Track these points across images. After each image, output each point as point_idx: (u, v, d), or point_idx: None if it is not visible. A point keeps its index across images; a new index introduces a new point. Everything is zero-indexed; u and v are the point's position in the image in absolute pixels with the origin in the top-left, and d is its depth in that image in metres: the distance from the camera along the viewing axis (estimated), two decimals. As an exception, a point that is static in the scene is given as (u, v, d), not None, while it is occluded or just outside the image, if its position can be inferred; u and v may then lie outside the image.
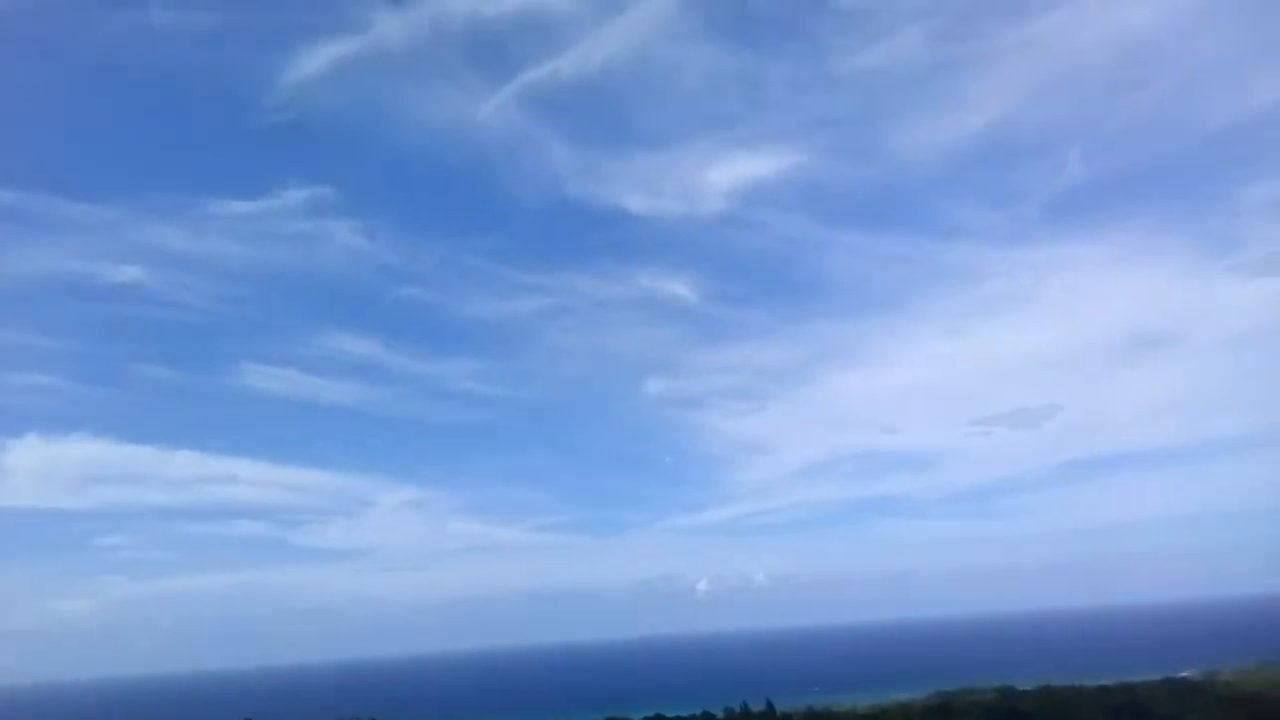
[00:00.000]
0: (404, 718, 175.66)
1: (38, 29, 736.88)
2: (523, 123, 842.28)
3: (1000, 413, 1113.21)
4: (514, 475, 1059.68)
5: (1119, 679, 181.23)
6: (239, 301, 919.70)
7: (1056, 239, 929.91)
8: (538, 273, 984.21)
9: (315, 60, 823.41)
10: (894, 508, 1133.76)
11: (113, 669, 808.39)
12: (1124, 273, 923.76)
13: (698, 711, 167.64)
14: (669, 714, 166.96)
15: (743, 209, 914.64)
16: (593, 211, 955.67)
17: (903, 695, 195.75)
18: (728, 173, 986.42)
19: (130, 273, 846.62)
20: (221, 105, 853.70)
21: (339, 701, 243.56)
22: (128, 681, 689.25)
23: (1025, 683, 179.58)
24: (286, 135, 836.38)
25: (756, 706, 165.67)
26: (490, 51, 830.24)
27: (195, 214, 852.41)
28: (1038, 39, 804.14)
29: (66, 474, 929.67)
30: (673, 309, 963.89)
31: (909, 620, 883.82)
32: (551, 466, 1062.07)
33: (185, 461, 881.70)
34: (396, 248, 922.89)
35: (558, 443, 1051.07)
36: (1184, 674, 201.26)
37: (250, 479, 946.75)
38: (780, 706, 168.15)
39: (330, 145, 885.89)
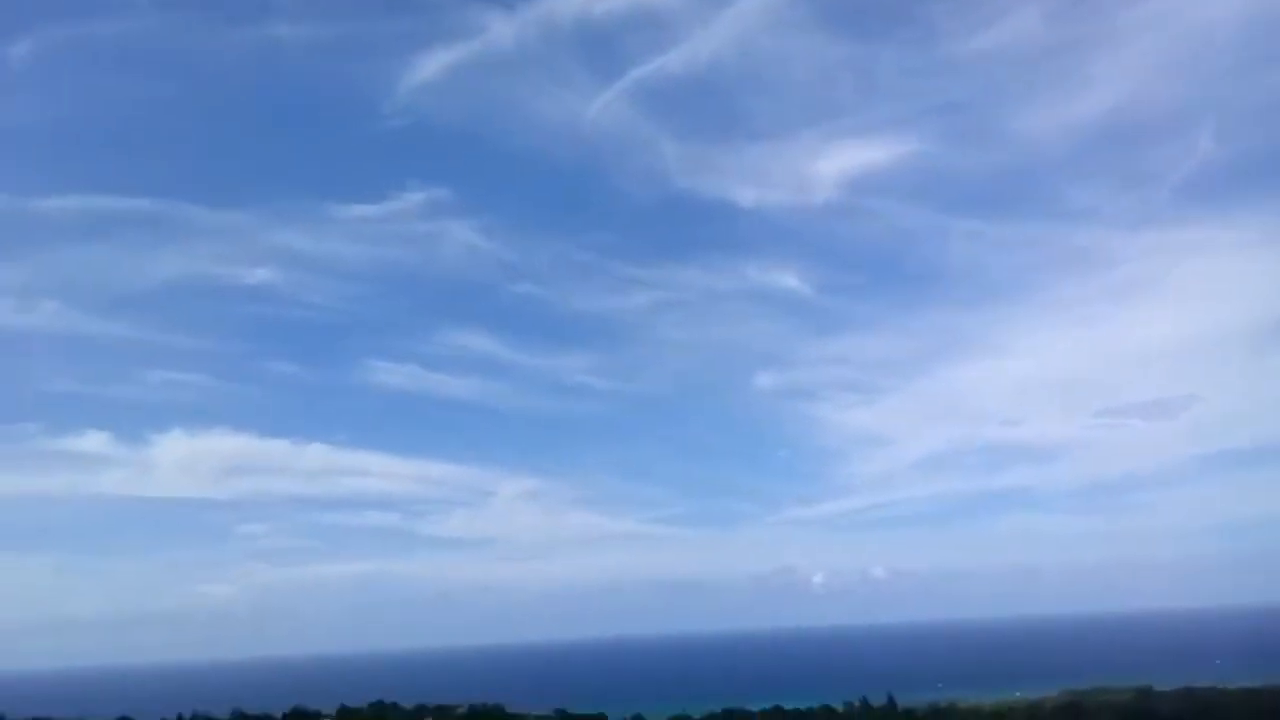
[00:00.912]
0: (525, 703, 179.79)
1: (171, 48, 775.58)
2: (632, 119, 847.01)
3: (1131, 403, 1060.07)
4: (628, 468, 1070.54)
5: (1267, 681, 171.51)
6: (362, 300, 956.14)
7: (1190, 222, 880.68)
8: (648, 267, 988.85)
9: (430, 66, 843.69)
10: (1017, 501, 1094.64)
11: (255, 651, 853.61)
12: (1264, 256, 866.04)
13: (816, 705, 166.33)
14: (788, 707, 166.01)
15: (854, 198, 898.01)
16: (701, 205, 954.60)
17: (1031, 694, 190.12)
18: (838, 162, 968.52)
19: (261, 275, 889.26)
20: (342, 113, 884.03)
21: (465, 684, 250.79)
22: (269, 663, 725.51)
23: (1163, 684, 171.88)
24: (404, 140, 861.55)
25: (877, 701, 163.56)
26: (599, 50, 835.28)
27: (320, 217, 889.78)
28: (1163, 15, 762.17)
29: (209, 466, 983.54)
30: (783, 301, 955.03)
31: (1035, 617, 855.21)
32: (664, 459, 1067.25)
33: (317, 454, 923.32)
34: (511, 245, 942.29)
35: (670, 436, 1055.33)
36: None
37: (378, 471, 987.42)
38: (902, 702, 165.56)
39: (447, 148, 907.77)
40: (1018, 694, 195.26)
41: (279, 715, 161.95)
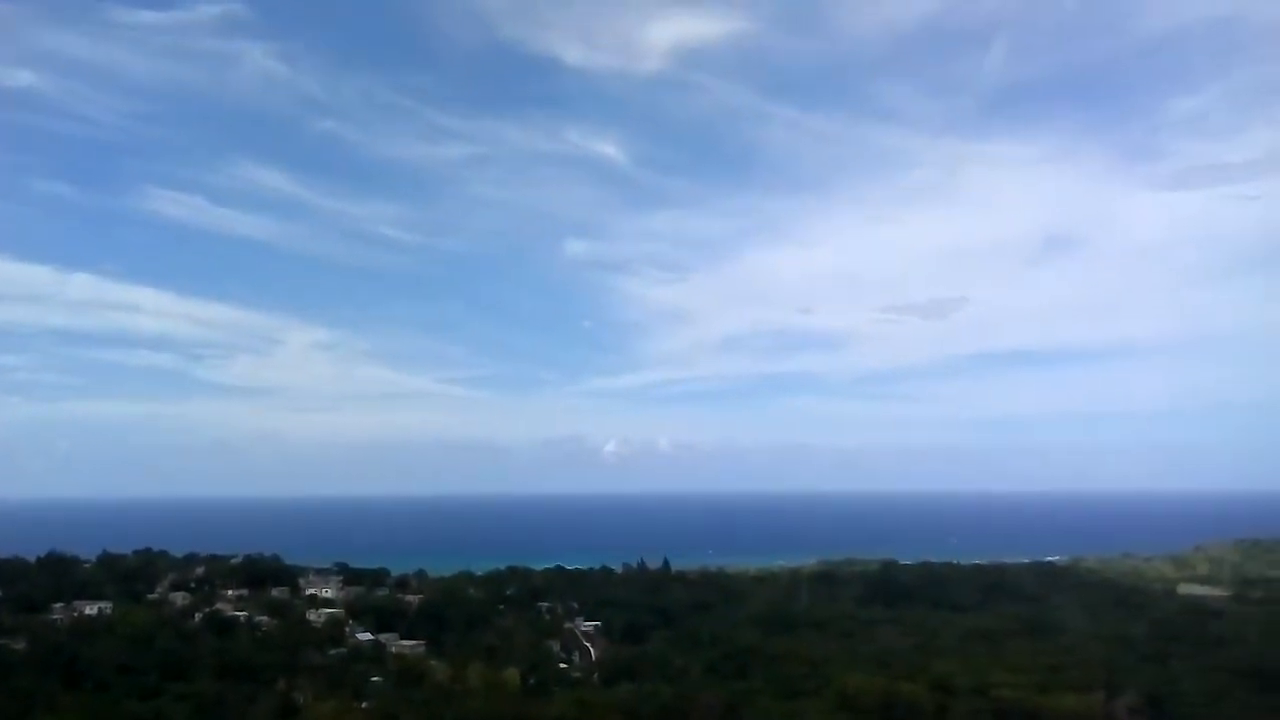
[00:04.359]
0: (303, 556, 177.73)
1: None
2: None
3: (911, 301, 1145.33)
4: (427, 325, 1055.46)
5: (993, 560, 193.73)
6: (145, 120, 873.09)
7: (986, 134, 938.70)
8: (465, 118, 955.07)
9: None
10: (803, 385, 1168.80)
11: (10, 491, 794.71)
12: (1045, 173, 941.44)
13: (597, 566, 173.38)
14: (569, 566, 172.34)
15: (681, 70, 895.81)
16: (526, 58, 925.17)
17: (791, 562, 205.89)
18: (669, 30, 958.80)
19: (25, 77, 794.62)
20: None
21: (242, 535, 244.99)
22: (27, 505, 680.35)
23: (907, 558, 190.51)
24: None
25: (654, 564, 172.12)
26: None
27: (98, 19, 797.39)
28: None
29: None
30: (601, 169, 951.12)
31: (806, 493, 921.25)
32: (465, 319, 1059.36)
33: (84, 284, 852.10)
34: (316, 77, 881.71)
35: (473, 296, 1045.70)
36: (1051, 559, 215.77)
37: (153, 308, 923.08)
38: (676, 566, 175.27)
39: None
40: (779, 562, 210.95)
41: (32, 560, 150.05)
